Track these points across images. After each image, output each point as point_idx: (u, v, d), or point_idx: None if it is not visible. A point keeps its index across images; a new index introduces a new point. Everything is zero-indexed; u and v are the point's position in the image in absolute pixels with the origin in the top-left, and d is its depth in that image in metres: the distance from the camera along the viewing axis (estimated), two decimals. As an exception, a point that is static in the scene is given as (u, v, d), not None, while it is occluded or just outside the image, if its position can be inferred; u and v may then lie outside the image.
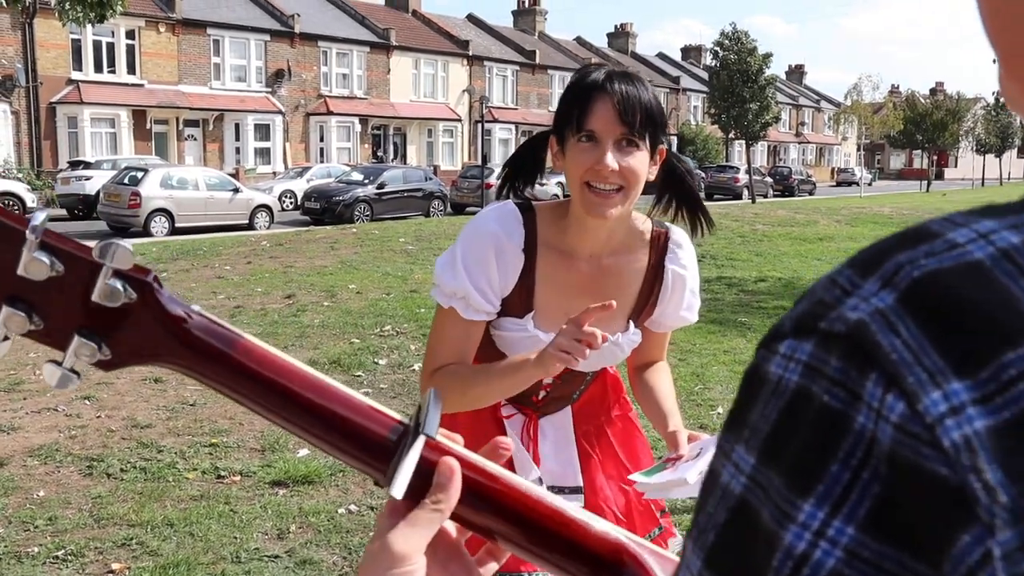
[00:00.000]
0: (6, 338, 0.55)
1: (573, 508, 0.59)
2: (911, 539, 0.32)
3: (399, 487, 0.55)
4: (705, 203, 1.76)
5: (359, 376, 6.53)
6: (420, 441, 0.56)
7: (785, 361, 0.36)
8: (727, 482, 0.37)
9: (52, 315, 0.55)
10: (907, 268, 0.34)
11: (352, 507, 4.20)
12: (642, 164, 1.55)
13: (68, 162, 25.47)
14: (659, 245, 1.72)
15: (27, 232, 0.53)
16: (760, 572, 0.34)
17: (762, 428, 0.37)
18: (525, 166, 1.73)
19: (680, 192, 1.69)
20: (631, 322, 1.75)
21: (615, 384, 1.98)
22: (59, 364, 0.56)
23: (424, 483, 0.56)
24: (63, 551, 3.71)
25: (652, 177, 1.60)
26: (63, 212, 21.12)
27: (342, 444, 0.57)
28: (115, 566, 3.61)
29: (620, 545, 0.58)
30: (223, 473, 4.60)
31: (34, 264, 0.53)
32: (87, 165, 23.35)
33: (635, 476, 1.56)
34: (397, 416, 0.57)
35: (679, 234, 1.74)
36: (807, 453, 0.34)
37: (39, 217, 0.54)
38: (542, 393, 1.81)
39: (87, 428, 5.26)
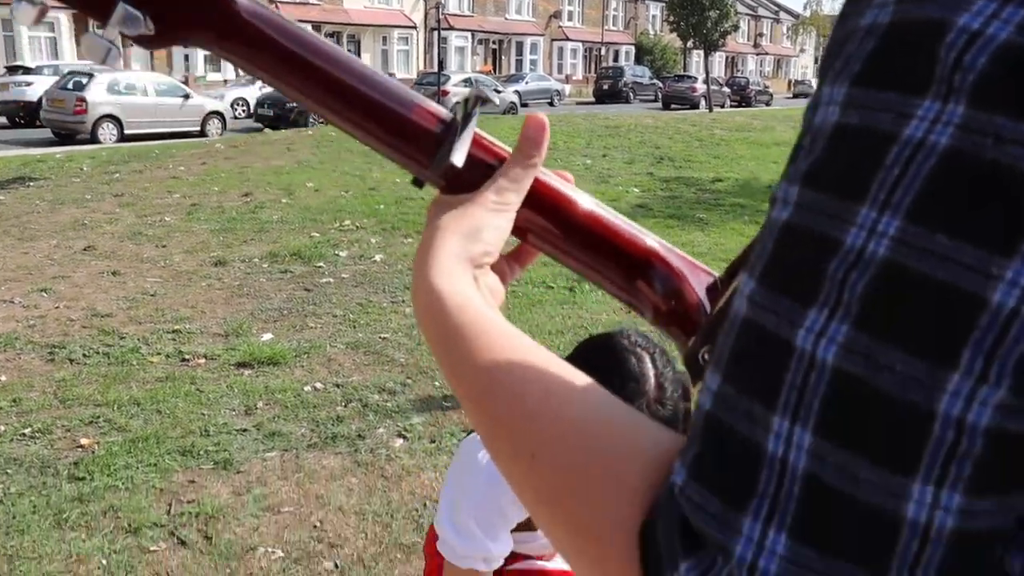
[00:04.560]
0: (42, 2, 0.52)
1: (607, 210, 0.58)
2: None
3: (460, 155, 0.53)
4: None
5: (320, 267, 6.51)
6: (476, 119, 0.54)
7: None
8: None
9: None
10: None
11: (318, 384, 4.24)
12: None
13: (5, 67, 24.49)
14: None
15: None
16: (825, 242, 0.31)
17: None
18: None
19: None
20: None
21: None
22: (100, 35, 0.52)
23: (473, 180, 0.54)
24: (30, 429, 3.72)
25: None
26: (3, 120, 20.29)
27: (388, 137, 0.54)
28: (84, 441, 3.63)
29: (651, 248, 0.57)
30: (187, 356, 4.60)
31: None
32: (27, 71, 22.45)
33: None
34: (443, 111, 0.55)
35: None
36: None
37: None
38: None
39: (46, 318, 5.21)
